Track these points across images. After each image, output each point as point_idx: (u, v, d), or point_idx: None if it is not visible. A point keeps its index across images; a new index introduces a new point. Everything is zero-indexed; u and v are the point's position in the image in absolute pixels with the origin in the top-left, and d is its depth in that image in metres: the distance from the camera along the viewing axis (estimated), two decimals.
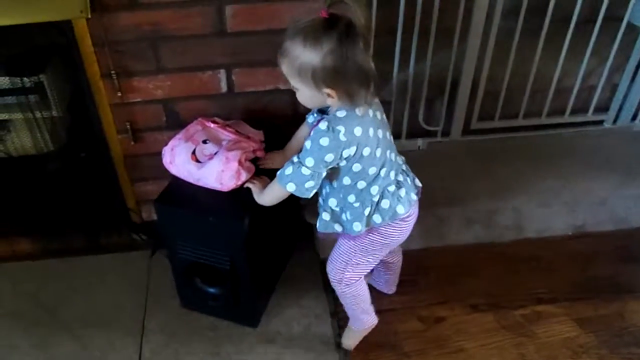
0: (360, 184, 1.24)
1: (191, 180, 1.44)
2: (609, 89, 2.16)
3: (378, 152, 1.21)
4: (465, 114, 2.05)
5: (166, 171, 1.47)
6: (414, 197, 1.32)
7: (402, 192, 1.28)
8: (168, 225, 1.49)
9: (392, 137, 1.29)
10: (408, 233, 1.36)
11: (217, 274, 1.48)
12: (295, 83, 1.17)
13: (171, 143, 1.46)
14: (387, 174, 1.26)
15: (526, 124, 2.14)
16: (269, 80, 1.58)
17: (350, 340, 1.55)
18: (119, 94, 1.54)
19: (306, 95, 1.18)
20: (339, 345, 1.54)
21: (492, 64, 1.94)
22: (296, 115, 1.58)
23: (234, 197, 1.40)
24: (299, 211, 1.79)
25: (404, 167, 1.33)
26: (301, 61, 1.11)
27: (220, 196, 1.40)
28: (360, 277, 1.42)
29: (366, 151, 1.19)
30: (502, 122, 2.11)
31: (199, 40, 1.49)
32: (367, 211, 1.26)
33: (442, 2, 1.77)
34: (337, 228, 1.31)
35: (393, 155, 1.28)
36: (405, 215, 1.30)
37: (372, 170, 1.23)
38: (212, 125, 1.50)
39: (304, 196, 1.22)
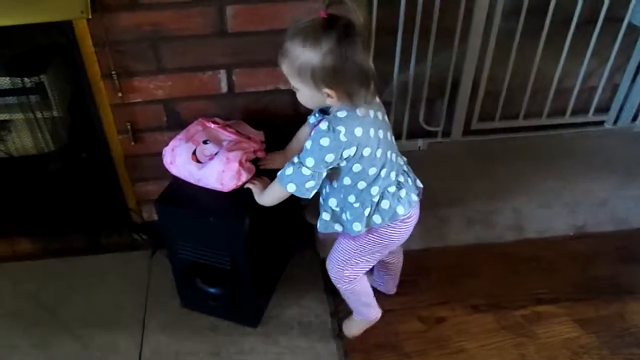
0: (360, 185, 1.24)
1: (192, 181, 1.44)
2: (609, 89, 2.16)
3: (378, 153, 1.21)
4: (466, 114, 2.05)
5: (167, 171, 1.47)
6: (415, 198, 1.32)
7: (403, 193, 1.28)
8: (168, 226, 1.49)
9: (393, 138, 1.29)
10: (408, 234, 1.36)
11: (218, 274, 1.48)
12: (295, 83, 1.17)
13: (172, 143, 1.46)
14: (388, 175, 1.26)
15: (527, 124, 2.14)
16: (270, 80, 1.59)
17: (354, 329, 1.56)
18: (120, 94, 1.54)
19: (306, 95, 1.18)
20: (339, 343, 1.54)
21: (492, 65, 1.95)
22: (297, 115, 1.57)
23: (234, 198, 1.40)
24: (299, 211, 1.79)
25: (405, 167, 1.33)
26: (301, 61, 1.11)
27: (220, 196, 1.40)
28: (360, 275, 1.43)
29: (366, 152, 1.19)
30: (502, 123, 2.11)
31: (200, 41, 1.49)
32: (367, 211, 1.26)
33: (443, 2, 1.77)
34: (338, 228, 1.32)
35: (394, 156, 1.28)
36: (406, 217, 1.30)
37: (373, 171, 1.23)
38: (212, 125, 1.50)
39: (304, 196, 1.22)
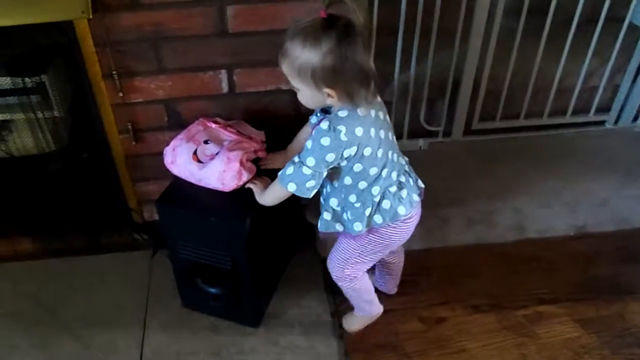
0: (361, 184, 1.24)
1: (192, 181, 1.44)
2: (610, 89, 2.16)
3: (379, 153, 1.21)
4: (467, 114, 2.05)
5: (167, 171, 1.47)
6: (416, 198, 1.32)
7: (404, 193, 1.28)
8: (169, 225, 1.49)
9: (394, 138, 1.29)
10: (409, 234, 1.36)
11: (219, 274, 1.48)
12: (295, 83, 1.17)
13: (173, 143, 1.46)
14: (389, 175, 1.26)
15: (527, 124, 2.14)
16: (270, 80, 1.59)
17: (355, 325, 1.56)
18: (121, 94, 1.54)
19: (307, 95, 1.18)
20: (340, 343, 1.54)
21: (493, 64, 1.94)
22: (297, 115, 1.58)
23: (235, 198, 1.40)
24: (300, 211, 1.79)
25: (406, 167, 1.33)
26: (301, 61, 1.11)
27: (221, 196, 1.40)
28: (361, 273, 1.43)
29: (367, 151, 1.19)
30: (503, 123, 2.11)
31: (201, 41, 1.49)
32: (368, 211, 1.26)
33: (444, 1, 1.77)
34: (338, 227, 1.32)
35: (395, 156, 1.28)
36: (407, 217, 1.30)
37: (374, 171, 1.23)
38: (213, 125, 1.50)
39: (304, 196, 1.22)
